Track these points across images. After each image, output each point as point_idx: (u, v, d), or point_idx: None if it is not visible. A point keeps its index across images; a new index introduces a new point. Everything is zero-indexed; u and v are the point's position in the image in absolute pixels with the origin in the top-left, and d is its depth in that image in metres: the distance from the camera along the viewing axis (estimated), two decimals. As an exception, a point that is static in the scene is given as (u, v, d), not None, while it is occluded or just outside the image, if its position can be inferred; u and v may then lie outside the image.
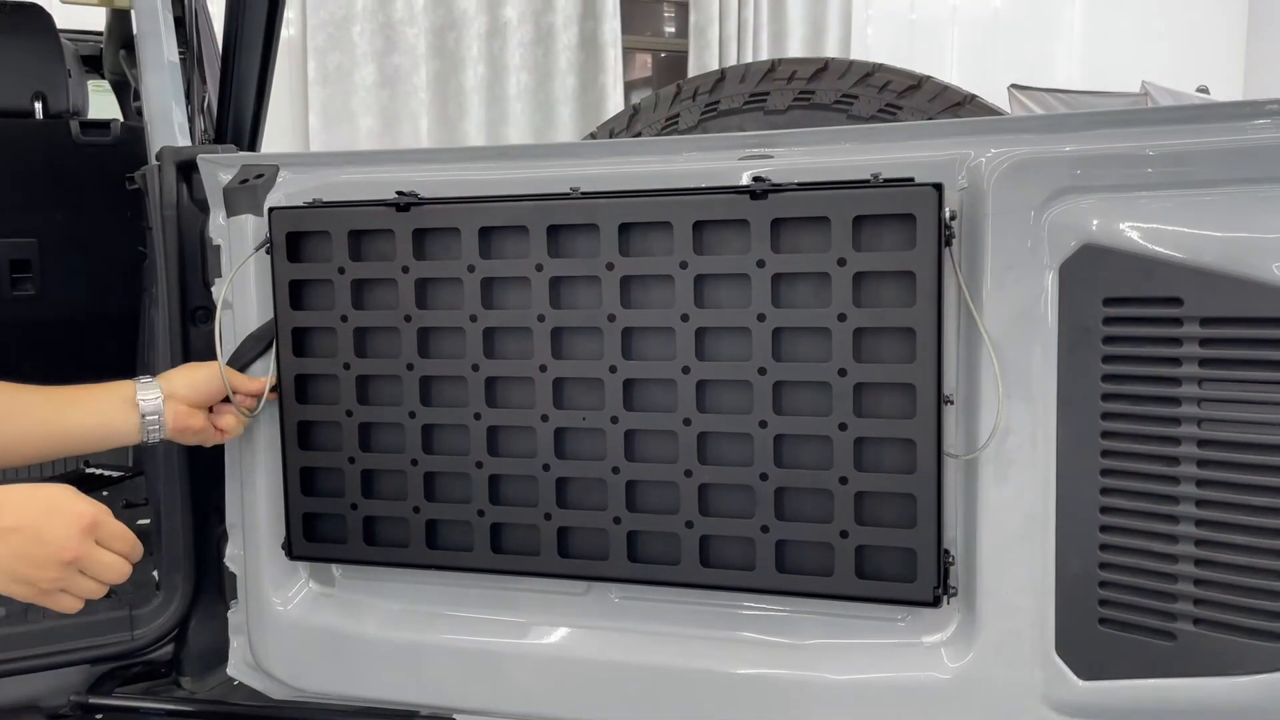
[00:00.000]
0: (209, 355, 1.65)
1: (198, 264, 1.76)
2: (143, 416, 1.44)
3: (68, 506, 1.16)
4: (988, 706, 1.34)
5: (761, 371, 1.36)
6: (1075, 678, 1.30)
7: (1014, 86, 8.74)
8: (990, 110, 1.56)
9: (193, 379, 1.52)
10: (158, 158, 1.77)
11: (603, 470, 1.44)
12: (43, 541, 1.12)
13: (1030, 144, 1.28)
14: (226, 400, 1.54)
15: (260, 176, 1.60)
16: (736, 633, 1.46)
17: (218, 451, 1.70)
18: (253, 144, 2.07)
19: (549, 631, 1.54)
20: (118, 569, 1.21)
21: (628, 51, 8.19)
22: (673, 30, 8.93)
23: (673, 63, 8.79)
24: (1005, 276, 1.29)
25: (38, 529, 1.12)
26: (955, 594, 1.35)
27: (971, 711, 1.35)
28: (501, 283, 1.48)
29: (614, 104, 7.45)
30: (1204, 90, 8.87)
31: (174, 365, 1.78)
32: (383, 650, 1.60)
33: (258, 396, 1.57)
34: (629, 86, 8.23)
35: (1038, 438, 1.29)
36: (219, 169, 1.64)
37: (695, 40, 8.16)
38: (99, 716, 1.81)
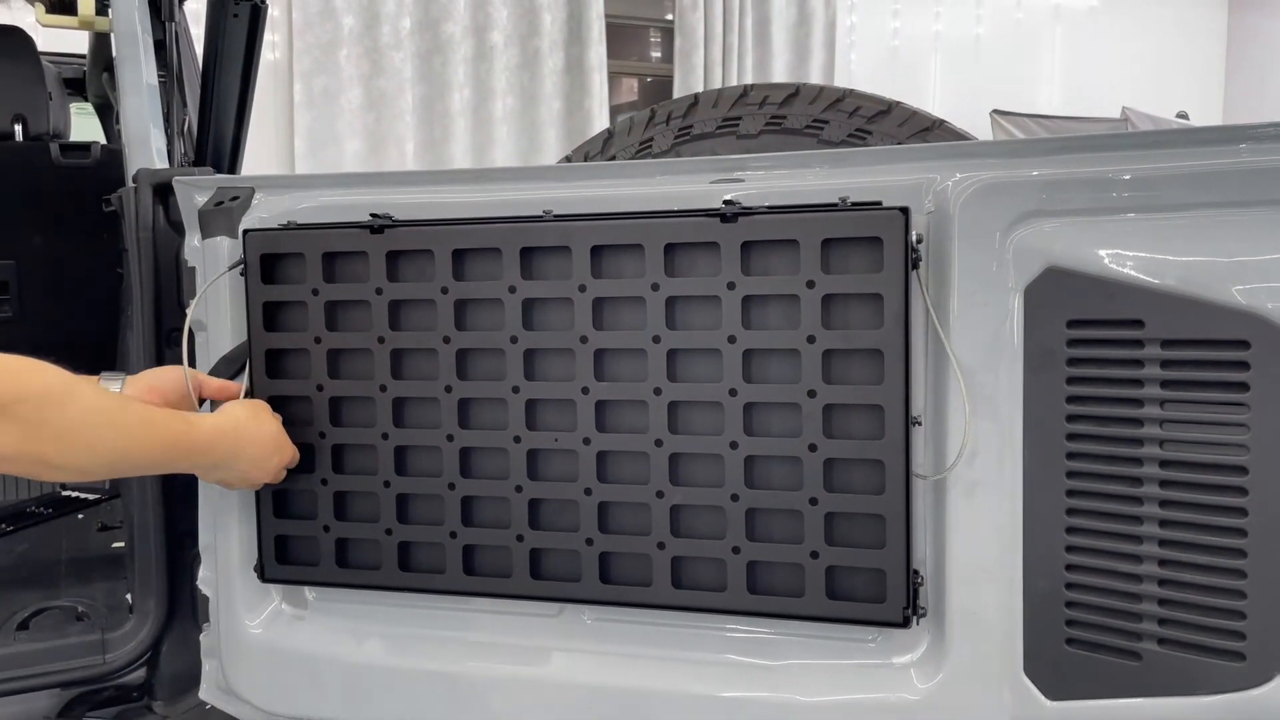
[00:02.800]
0: (184, 377, 1.66)
1: (173, 286, 1.77)
2: (100, 383, 1.43)
3: (285, 444, 1.52)
4: (958, 726, 1.35)
5: (732, 393, 1.37)
6: (1043, 698, 1.30)
7: (995, 112, 8.82)
8: (959, 135, 1.58)
9: (157, 375, 1.52)
10: (134, 180, 1.77)
11: (575, 492, 1.45)
12: (269, 469, 1.50)
13: (996, 168, 1.30)
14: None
15: (235, 199, 1.61)
16: (709, 654, 1.46)
17: (190, 484, 1.70)
18: (232, 167, 2.08)
19: (522, 653, 1.53)
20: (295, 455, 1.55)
21: (614, 76, 8.25)
22: (659, 55, 9.00)
23: (658, 87, 8.85)
24: (971, 299, 1.31)
25: (268, 458, 1.49)
26: (925, 614, 1.35)
27: (942, 732, 1.35)
28: (475, 304, 1.48)
29: (599, 128, 7.49)
30: (1184, 116, 8.97)
31: (149, 387, 1.79)
32: (356, 673, 1.60)
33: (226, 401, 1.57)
34: (615, 110, 8.29)
35: (1005, 458, 1.30)
36: (195, 191, 1.64)
37: (680, 65, 8.22)
38: (70, 741, 1.79)
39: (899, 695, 1.38)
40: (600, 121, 7.81)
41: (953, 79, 9.18)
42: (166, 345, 1.81)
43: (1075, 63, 9.50)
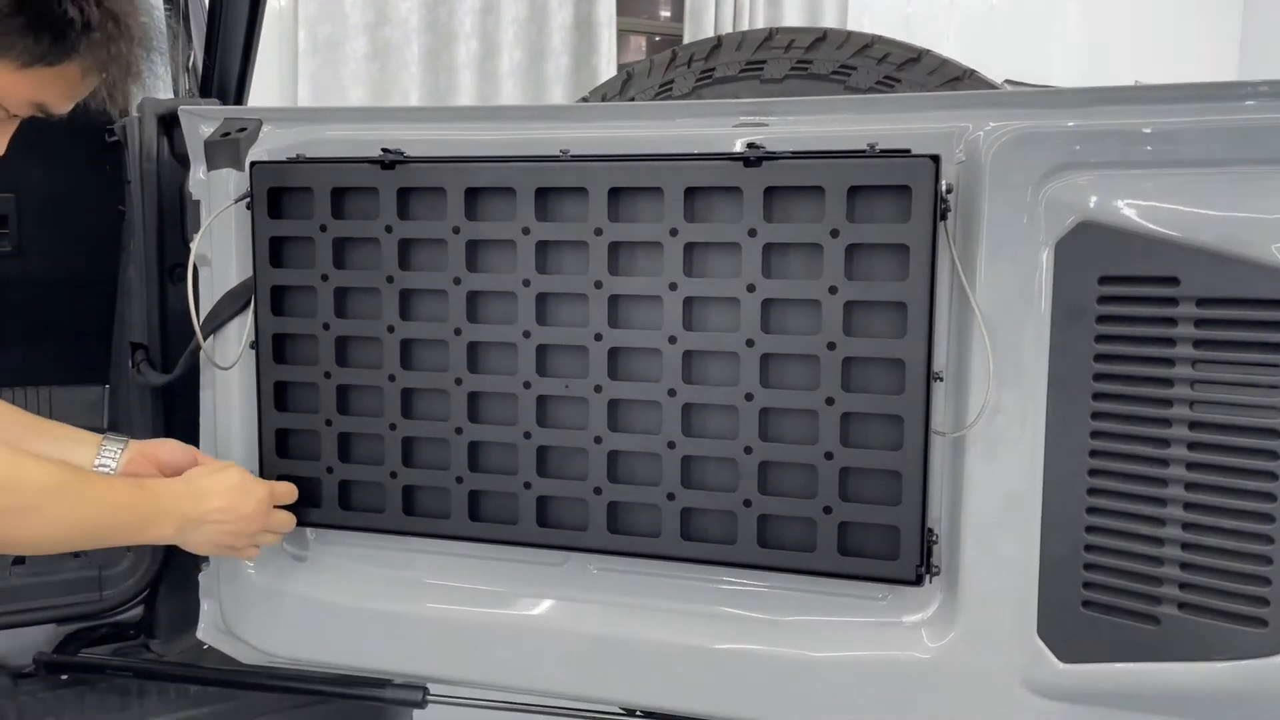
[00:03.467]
0: (185, 314, 1.62)
1: (177, 220, 1.73)
2: (101, 446, 1.42)
3: (253, 486, 1.44)
4: (966, 687, 1.33)
5: (749, 343, 1.34)
6: (1056, 660, 1.28)
7: (1008, 82, 8.72)
8: (989, 86, 1.54)
9: (159, 446, 1.47)
10: (138, 110, 1.73)
11: (585, 440, 1.42)
12: (243, 517, 1.40)
13: (1030, 118, 1.26)
14: None
15: (243, 130, 1.57)
16: (715, 607, 1.43)
17: (192, 412, 1.67)
18: (238, 102, 2.03)
19: (526, 602, 1.51)
20: (290, 521, 1.51)
21: (622, 34, 8.13)
22: (668, 14, 8.88)
23: (666, 45, 8.74)
24: (999, 252, 1.27)
25: (236, 507, 1.39)
26: (938, 573, 1.33)
27: (950, 692, 1.34)
28: (487, 246, 1.45)
29: (607, 85, 7.38)
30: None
31: (149, 322, 1.76)
32: (356, 617, 1.58)
33: None
34: (622, 69, 8.18)
35: (1027, 417, 1.27)
36: (201, 121, 1.60)
37: (690, 24, 8.09)
38: (65, 676, 1.77)
39: (908, 654, 1.36)
40: (608, 78, 7.69)
41: (966, 47, 9.06)
42: (169, 280, 1.77)
43: (1090, 34, 9.39)
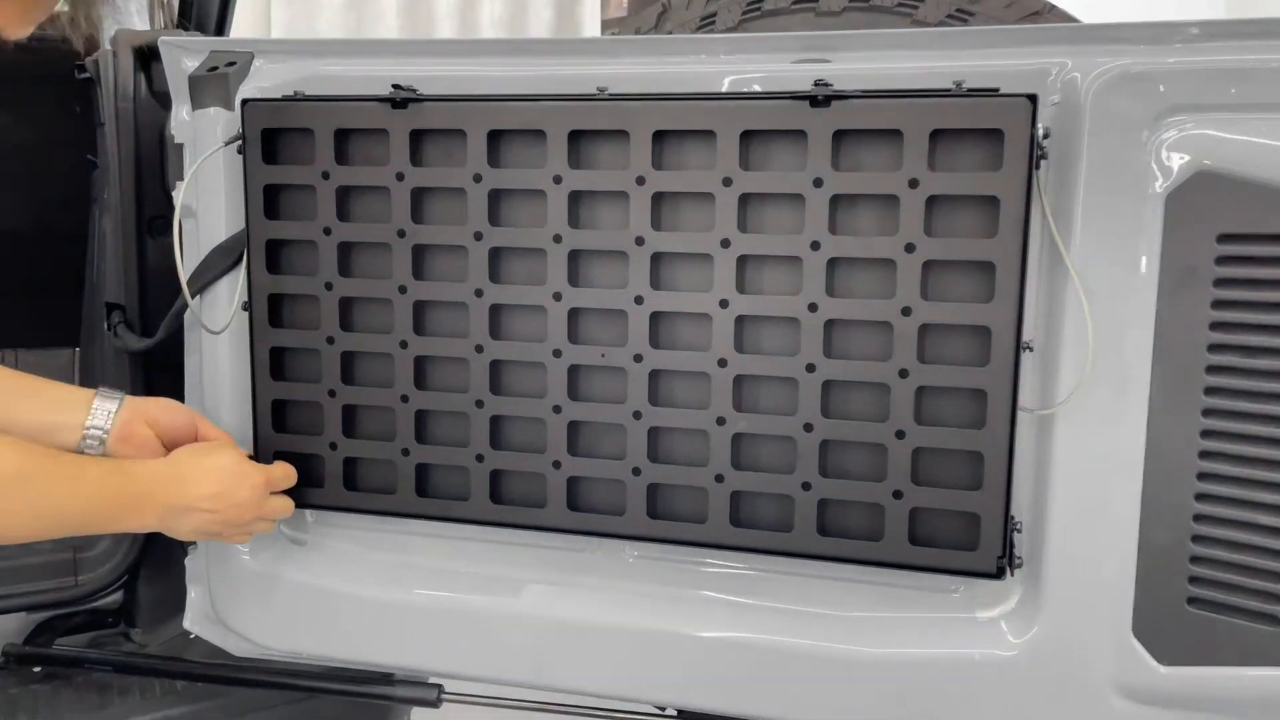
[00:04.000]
0: (166, 271, 1.46)
1: (156, 166, 1.56)
2: (92, 409, 1.25)
3: (248, 471, 1.29)
4: (1049, 691, 1.20)
5: (812, 308, 1.19)
6: (1155, 662, 1.16)
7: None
8: (1071, 21, 1.39)
9: (163, 407, 1.31)
10: (111, 43, 1.55)
11: (623, 414, 1.27)
12: (235, 505, 1.26)
13: (1139, 54, 1.11)
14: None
15: (232, 64, 1.39)
16: (765, 600, 1.29)
17: (177, 380, 1.51)
18: (220, 36, 1.85)
19: (551, 592, 1.36)
20: (287, 507, 1.36)
21: (608, -14, 7.87)
22: (655, -35, 8.61)
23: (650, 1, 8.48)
24: (1100, 206, 1.12)
25: (228, 494, 1.25)
26: (1020, 565, 1.19)
27: (1029, 695, 1.21)
28: (512, 196, 1.28)
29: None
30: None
31: (126, 280, 1.59)
32: (360, 606, 1.43)
33: None
34: (605, 25, 7.92)
35: (1128, 390, 1.14)
36: (184, 54, 1.42)
37: (678, -25, 7.87)
38: (38, 669, 1.62)
39: (983, 652, 1.22)
40: (592, 33, 7.46)
41: None
42: (148, 234, 1.60)
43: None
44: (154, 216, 1.59)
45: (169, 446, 1.29)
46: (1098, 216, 1.13)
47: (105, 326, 1.60)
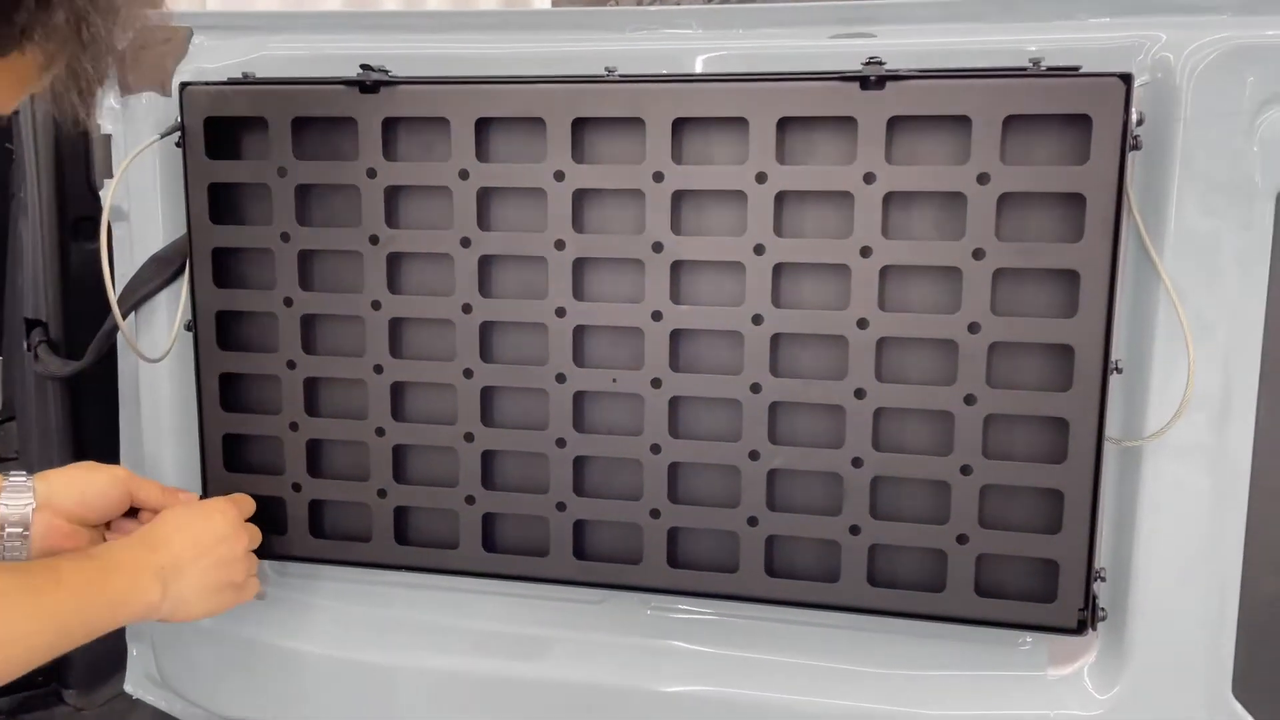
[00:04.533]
0: (92, 280, 1.25)
1: (81, 160, 1.34)
2: (2, 529, 1.00)
3: (209, 503, 1.11)
4: (1133, 758, 1.05)
5: (862, 324, 1.02)
6: (1258, 727, 1.01)
7: None
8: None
9: (83, 485, 1.06)
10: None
11: (639, 448, 1.09)
12: (222, 539, 1.08)
13: (1245, 27, 0.95)
14: (130, 515, 1.11)
15: (167, 41, 1.18)
16: (803, 659, 1.13)
17: (110, 409, 1.31)
18: (152, 12, 1.63)
19: (556, 649, 1.19)
20: (259, 536, 1.15)
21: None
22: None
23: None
24: (1198, 204, 0.97)
25: (208, 533, 1.07)
26: (1104, 618, 1.04)
27: (1109, 762, 1.06)
28: (505, 195, 1.10)
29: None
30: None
31: (48, 290, 1.38)
32: (330, 669, 1.24)
33: None
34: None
35: (1231, 417, 0.99)
36: (109, 31, 1.21)
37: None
38: (-46, 740, 1.41)
39: (1052, 714, 1.07)
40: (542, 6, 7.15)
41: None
42: (72, 239, 1.39)
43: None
44: (79, 218, 1.38)
45: (100, 520, 1.08)
46: (1195, 216, 0.97)
47: (24, 345, 1.39)
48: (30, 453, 1.46)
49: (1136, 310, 1.01)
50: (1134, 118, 0.94)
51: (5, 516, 1.00)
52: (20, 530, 1.00)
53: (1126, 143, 0.94)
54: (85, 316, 1.38)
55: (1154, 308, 0.99)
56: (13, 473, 1.03)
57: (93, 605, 0.94)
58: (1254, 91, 0.94)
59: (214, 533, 1.07)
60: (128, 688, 1.37)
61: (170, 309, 1.21)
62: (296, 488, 1.19)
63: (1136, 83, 0.96)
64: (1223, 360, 0.98)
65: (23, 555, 1.01)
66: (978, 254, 0.98)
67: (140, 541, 1.02)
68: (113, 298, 1.13)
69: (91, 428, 1.36)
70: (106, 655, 1.43)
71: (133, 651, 1.37)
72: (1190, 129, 0.96)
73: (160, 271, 1.20)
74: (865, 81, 0.98)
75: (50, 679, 1.48)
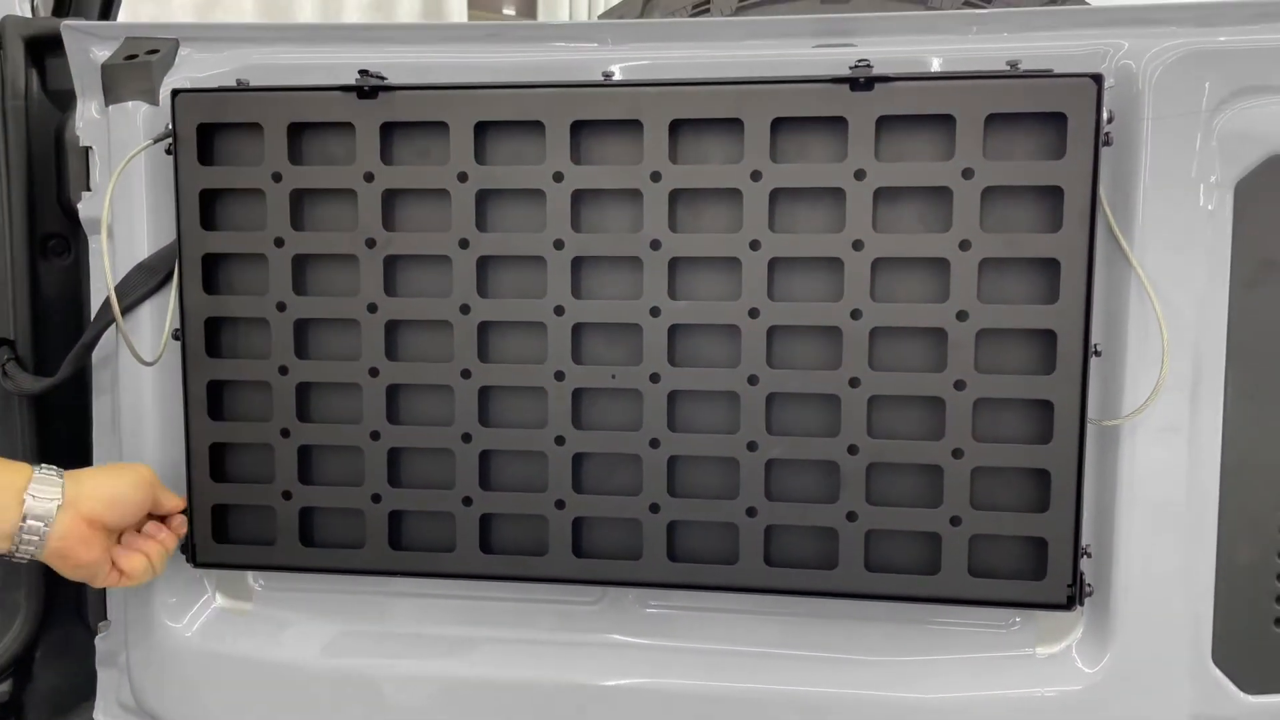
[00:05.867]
0: (62, 300, 1.24)
1: (51, 176, 1.32)
2: (23, 520, 0.99)
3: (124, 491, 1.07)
4: (1121, 729, 1.09)
5: (855, 315, 1.06)
6: (1238, 691, 1.06)
7: None
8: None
9: (112, 488, 1.05)
10: (-2, 31, 1.31)
11: (638, 444, 1.11)
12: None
13: (1201, 34, 1.03)
14: (150, 520, 1.12)
15: (154, 52, 1.19)
16: (801, 650, 1.15)
17: (79, 419, 1.28)
18: (106, 19, 1.63)
19: (555, 653, 1.19)
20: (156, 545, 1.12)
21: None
22: None
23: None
24: (1164, 196, 1.04)
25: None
26: (1091, 594, 1.08)
27: (1098, 736, 1.10)
28: (504, 197, 1.12)
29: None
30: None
31: (16, 311, 1.34)
32: (323, 682, 1.22)
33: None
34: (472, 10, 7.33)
35: (1200, 396, 1.05)
36: (93, 43, 1.21)
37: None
38: (-96, 782, 1.34)
39: (1045, 690, 1.11)
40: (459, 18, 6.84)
41: None
42: (41, 256, 1.36)
43: None
44: (48, 235, 1.35)
45: (119, 527, 1.07)
46: (1161, 208, 1.04)
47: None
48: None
49: (1109, 298, 1.07)
50: (1105, 115, 1.01)
51: (30, 510, 0.98)
52: (42, 526, 0.98)
53: (1100, 138, 1.01)
54: (53, 335, 1.35)
55: (1126, 294, 1.05)
56: (44, 465, 1.01)
57: None
58: (1211, 92, 1.02)
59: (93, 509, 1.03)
60: (98, 715, 1.32)
61: (155, 317, 1.20)
62: (287, 495, 1.17)
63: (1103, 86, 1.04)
64: (1193, 342, 1.04)
65: (39, 553, 0.98)
66: (964, 245, 1.04)
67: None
68: (113, 298, 1.11)
69: (59, 444, 1.33)
70: (71, 685, 1.38)
71: (102, 678, 1.32)
72: (1154, 126, 1.03)
73: (146, 280, 1.19)
74: (855, 83, 1.04)
75: (7, 712, 1.42)
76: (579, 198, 1.10)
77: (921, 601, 1.09)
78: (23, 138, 1.31)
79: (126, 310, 1.20)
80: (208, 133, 1.14)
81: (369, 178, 1.12)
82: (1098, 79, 1.00)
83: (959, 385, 1.06)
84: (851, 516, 1.09)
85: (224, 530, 1.21)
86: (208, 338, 1.17)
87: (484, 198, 1.11)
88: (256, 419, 1.18)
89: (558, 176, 1.09)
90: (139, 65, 1.17)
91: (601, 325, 1.11)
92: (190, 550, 1.19)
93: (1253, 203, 1.02)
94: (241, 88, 1.14)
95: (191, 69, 1.20)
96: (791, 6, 1.32)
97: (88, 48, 1.21)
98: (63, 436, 1.35)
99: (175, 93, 1.14)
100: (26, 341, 1.35)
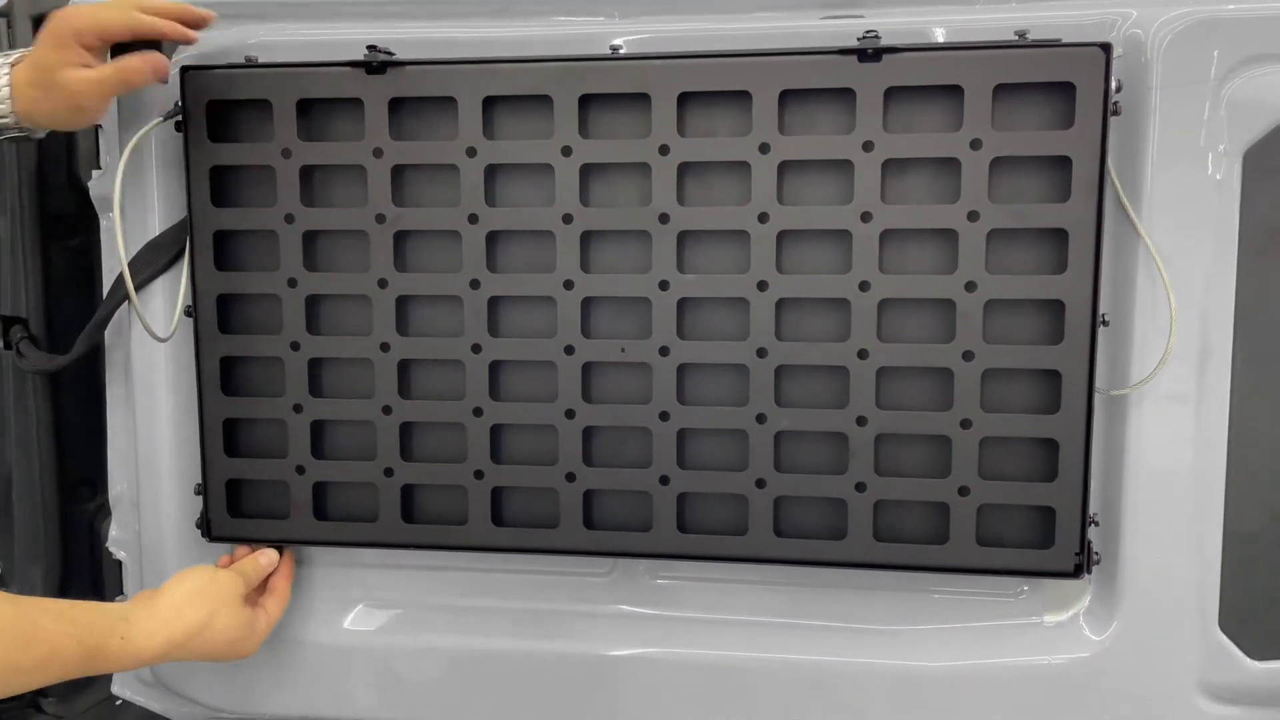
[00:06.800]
0: (72, 279, 1.24)
1: (62, 155, 1.33)
2: None
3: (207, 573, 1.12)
4: (1128, 695, 1.10)
5: (864, 287, 1.07)
6: (1244, 657, 1.07)
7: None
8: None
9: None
10: (6, 9, 1.31)
11: (647, 416, 1.12)
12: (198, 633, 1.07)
13: (1209, 3, 1.03)
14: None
15: (163, 29, 1.19)
16: (810, 620, 1.16)
17: (92, 397, 1.29)
18: None
19: (565, 624, 1.20)
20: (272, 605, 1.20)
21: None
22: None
23: None
24: (1171, 166, 1.04)
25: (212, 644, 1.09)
26: (1099, 562, 1.09)
27: (1105, 701, 1.11)
28: (512, 172, 1.13)
29: None
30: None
31: (29, 290, 1.35)
32: (336, 655, 1.23)
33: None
34: None
35: (1208, 365, 1.05)
36: (101, 19, 1.21)
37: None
38: (-76, 755, 1.36)
39: (1053, 658, 1.12)
40: None
41: None
42: (52, 236, 1.37)
43: None
44: (60, 214, 1.36)
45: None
46: (1169, 177, 1.04)
47: (3, 344, 1.36)
48: (7, 465, 1.43)
49: (1116, 268, 1.07)
50: (1113, 84, 1.01)
51: None
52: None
53: (1108, 108, 1.01)
54: (66, 313, 1.36)
55: (1133, 263, 1.06)
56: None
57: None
58: (1219, 61, 1.02)
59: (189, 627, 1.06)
60: (115, 689, 1.34)
61: (167, 295, 1.20)
62: (300, 470, 1.19)
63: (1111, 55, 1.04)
64: (1200, 312, 1.05)
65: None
66: (972, 216, 1.04)
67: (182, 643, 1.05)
68: (127, 275, 1.11)
69: (68, 428, 1.34)
70: (89, 659, 1.40)
71: (119, 653, 1.33)
72: (1162, 95, 1.03)
73: (157, 257, 1.19)
74: (863, 55, 1.04)
75: (26, 688, 1.43)
76: (587, 172, 1.10)
77: (930, 571, 1.10)
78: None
79: (139, 287, 1.21)
80: (217, 110, 1.15)
81: (378, 153, 1.12)
82: (1106, 48, 1.00)
83: (967, 356, 1.06)
84: (860, 487, 1.10)
85: (238, 504, 1.22)
86: (220, 314, 1.17)
87: (493, 172, 1.12)
88: (269, 394, 1.19)
89: (566, 151, 1.09)
90: (145, 42, 1.17)
91: (611, 299, 1.12)
92: (205, 525, 1.21)
93: (1261, 171, 1.02)
94: (250, 64, 1.14)
95: (200, 46, 1.19)
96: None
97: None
98: (76, 413, 1.36)
99: (184, 70, 1.14)
100: (40, 320, 1.36)
